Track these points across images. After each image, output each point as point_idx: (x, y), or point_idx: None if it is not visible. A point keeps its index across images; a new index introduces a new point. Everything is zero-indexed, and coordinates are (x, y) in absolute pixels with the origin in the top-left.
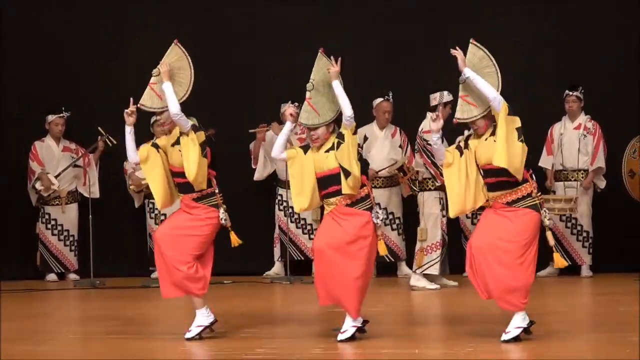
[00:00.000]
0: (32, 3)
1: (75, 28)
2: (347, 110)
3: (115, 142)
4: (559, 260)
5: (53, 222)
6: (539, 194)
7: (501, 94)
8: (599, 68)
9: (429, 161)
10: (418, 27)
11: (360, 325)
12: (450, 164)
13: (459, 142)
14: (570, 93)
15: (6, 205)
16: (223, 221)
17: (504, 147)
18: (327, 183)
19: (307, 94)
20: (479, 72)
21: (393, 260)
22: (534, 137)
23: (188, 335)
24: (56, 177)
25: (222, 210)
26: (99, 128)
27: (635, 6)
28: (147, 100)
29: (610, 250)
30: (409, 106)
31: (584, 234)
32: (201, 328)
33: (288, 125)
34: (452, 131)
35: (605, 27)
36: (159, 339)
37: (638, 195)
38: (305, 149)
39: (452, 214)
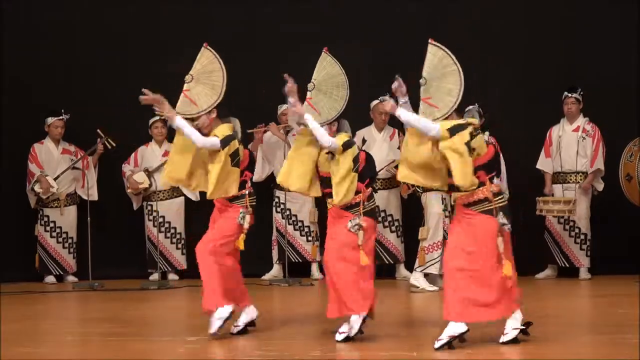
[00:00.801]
0: (32, 4)
1: (75, 30)
2: (322, 142)
3: (114, 145)
4: (507, 269)
5: (52, 225)
6: (500, 198)
7: (500, 96)
8: (598, 70)
9: None
10: (416, 30)
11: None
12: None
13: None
14: (569, 95)
15: (5, 207)
16: (240, 221)
17: (461, 172)
18: (327, 184)
19: (308, 94)
20: (440, 71)
21: (392, 262)
22: (533, 139)
23: (233, 330)
24: (55, 179)
25: (242, 211)
26: (98, 130)
27: (635, 8)
28: (182, 107)
29: (608, 253)
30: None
31: (582, 237)
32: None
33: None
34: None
35: (605, 28)
36: (158, 340)
37: (635, 199)
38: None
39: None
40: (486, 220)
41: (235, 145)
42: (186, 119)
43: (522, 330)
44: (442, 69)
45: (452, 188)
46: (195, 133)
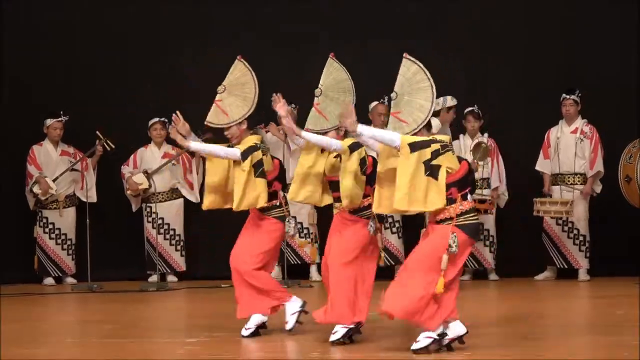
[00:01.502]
0: (32, 5)
1: (74, 31)
2: (329, 148)
3: (113, 147)
4: (440, 285)
5: (51, 226)
6: (472, 215)
7: (498, 98)
8: (597, 71)
9: None
10: (416, 30)
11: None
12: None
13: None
14: (567, 97)
15: (4, 209)
16: (291, 232)
17: (404, 191)
18: (335, 187)
19: (316, 100)
20: (412, 86)
21: (393, 263)
22: (532, 140)
23: (288, 327)
24: (54, 181)
25: (287, 221)
26: (97, 132)
27: (634, 9)
28: (214, 117)
29: (607, 254)
30: None
31: (581, 238)
32: (296, 314)
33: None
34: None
35: (604, 29)
36: (157, 342)
37: (634, 201)
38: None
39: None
40: (444, 229)
41: (259, 156)
42: (217, 128)
43: (435, 340)
44: (415, 84)
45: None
46: (214, 147)
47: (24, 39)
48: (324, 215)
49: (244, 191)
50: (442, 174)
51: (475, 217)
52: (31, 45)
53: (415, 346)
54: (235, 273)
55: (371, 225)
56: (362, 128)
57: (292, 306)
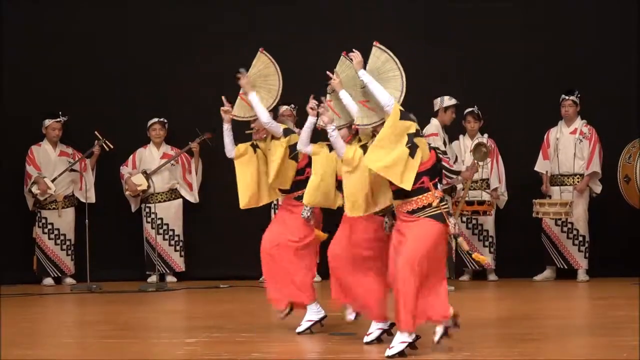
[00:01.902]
0: (30, 6)
1: (72, 32)
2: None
3: (112, 147)
4: (479, 258)
5: (50, 227)
6: (444, 203)
7: (498, 99)
8: (597, 72)
9: None
10: (417, 33)
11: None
12: (350, 161)
13: (367, 143)
14: (567, 97)
15: (3, 210)
16: (306, 216)
17: (376, 151)
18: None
19: (328, 97)
20: (381, 75)
21: None
22: (532, 140)
23: (298, 329)
24: (53, 181)
25: (307, 208)
26: (96, 133)
27: (633, 11)
28: (238, 110)
29: (606, 255)
30: (405, 110)
31: (580, 238)
32: (311, 323)
33: (310, 120)
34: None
35: (603, 31)
36: (156, 342)
37: (634, 201)
38: (331, 147)
39: (349, 213)
40: (430, 224)
41: (296, 139)
42: (242, 121)
43: (410, 344)
44: (384, 73)
45: (398, 195)
46: (262, 109)
47: (23, 39)
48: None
49: (279, 169)
50: (418, 155)
51: (447, 206)
52: (30, 45)
53: (389, 352)
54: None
55: (386, 222)
56: (364, 75)
57: (312, 315)
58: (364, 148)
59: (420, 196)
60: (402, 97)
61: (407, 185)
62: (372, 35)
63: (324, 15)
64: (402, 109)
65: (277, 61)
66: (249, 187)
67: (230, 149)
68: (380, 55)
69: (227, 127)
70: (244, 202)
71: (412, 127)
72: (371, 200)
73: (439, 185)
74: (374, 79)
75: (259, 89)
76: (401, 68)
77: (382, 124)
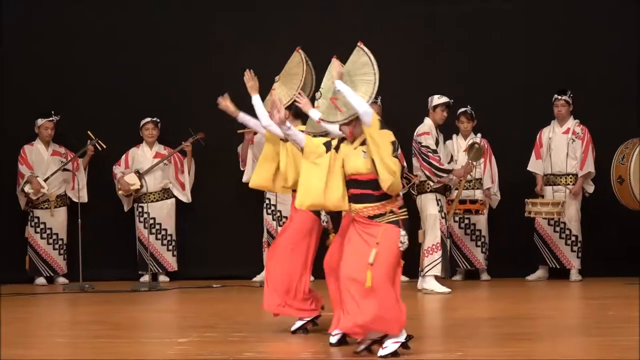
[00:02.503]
0: (23, 6)
1: (66, 31)
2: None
3: (104, 146)
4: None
5: (42, 226)
6: (403, 210)
7: (491, 99)
8: (590, 71)
9: (425, 164)
10: (411, 33)
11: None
12: (309, 154)
13: (333, 139)
14: (559, 97)
15: None
16: (324, 223)
17: (383, 167)
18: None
19: (330, 94)
20: (356, 77)
21: None
22: (525, 140)
23: (293, 328)
24: (45, 180)
25: (324, 213)
26: (89, 132)
27: (626, 12)
28: (267, 105)
29: (599, 255)
30: (400, 110)
31: (573, 238)
32: (304, 322)
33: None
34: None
35: (596, 32)
36: (149, 342)
37: (627, 202)
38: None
39: (297, 204)
40: (391, 229)
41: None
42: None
43: (403, 344)
44: (360, 75)
45: (359, 199)
46: (263, 112)
47: (16, 39)
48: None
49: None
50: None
51: (406, 213)
52: (23, 45)
53: (382, 352)
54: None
55: (324, 219)
56: (340, 85)
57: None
58: (328, 145)
59: (384, 201)
60: (369, 102)
61: (400, 191)
62: (371, 35)
63: (325, 14)
64: (379, 118)
65: (279, 61)
66: (263, 168)
67: (266, 118)
68: (360, 56)
69: (257, 98)
70: (253, 182)
71: (391, 135)
72: (323, 198)
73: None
74: (349, 87)
75: (284, 86)
76: (377, 75)
77: (346, 124)
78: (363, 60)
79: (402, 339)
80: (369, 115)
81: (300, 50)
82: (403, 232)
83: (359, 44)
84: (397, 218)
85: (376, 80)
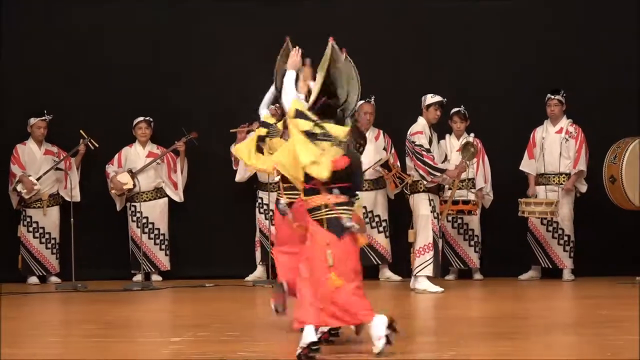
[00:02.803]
0: (15, 6)
1: (58, 31)
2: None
3: (97, 146)
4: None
5: (34, 225)
6: (344, 208)
7: (484, 98)
8: (583, 71)
9: (419, 163)
10: (404, 32)
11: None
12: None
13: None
14: (552, 97)
15: None
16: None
17: (287, 153)
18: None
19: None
20: (347, 73)
21: (380, 262)
22: (518, 140)
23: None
24: (37, 180)
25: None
26: (81, 131)
27: (620, 12)
28: None
29: (592, 254)
30: (393, 109)
31: (565, 238)
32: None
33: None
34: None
35: (589, 31)
36: (141, 342)
37: (619, 201)
38: None
39: (326, 176)
40: (317, 230)
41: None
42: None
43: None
44: (346, 75)
45: (308, 192)
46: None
47: (8, 39)
48: None
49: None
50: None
51: (346, 211)
52: (15, 44)
53: (376, 349)
54: None
55: (281, 203)
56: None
57: None
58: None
59: (313, 196)
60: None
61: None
62: (370, 35)
63: (323, 14)
64: (307, 111)
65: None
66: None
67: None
68: (340, 55)
69: (292, 75)
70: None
71: (302, 124)
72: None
73: (335, 190)
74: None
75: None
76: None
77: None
78: (345, 61)
79: (386, 323)
80: (287, 104)
81: (332, 41)
82: (346, 220)
83: (330, 39)
84: (332, 215)
85: (358, 85)
